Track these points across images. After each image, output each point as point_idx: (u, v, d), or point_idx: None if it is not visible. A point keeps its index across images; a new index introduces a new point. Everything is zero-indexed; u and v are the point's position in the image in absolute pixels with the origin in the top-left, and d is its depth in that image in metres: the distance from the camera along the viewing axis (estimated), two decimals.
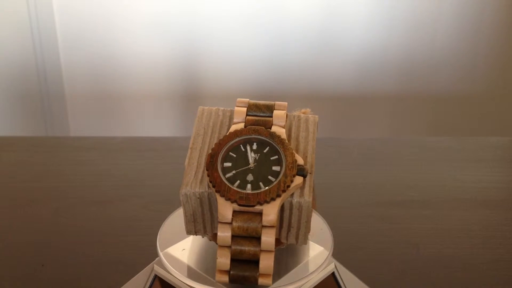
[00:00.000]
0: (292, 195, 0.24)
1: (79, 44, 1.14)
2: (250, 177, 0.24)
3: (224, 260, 0.24)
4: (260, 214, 0.23)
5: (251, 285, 0.24)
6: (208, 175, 0.24)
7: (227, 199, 0.23)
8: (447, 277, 0.37)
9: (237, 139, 0.25)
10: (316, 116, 0.27)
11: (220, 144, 0.25)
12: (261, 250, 0.23)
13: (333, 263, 0.29)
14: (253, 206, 0.23)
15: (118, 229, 0.43)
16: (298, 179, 0.24)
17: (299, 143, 0.26)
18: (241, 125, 0.26)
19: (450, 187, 0.51)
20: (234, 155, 0.25)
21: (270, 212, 0.23)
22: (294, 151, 0.25)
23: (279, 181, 0.24)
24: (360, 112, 1.20)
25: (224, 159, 0.25)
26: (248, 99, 0.27)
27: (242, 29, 1.13)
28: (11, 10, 1.11)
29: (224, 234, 0.23)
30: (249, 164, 0.25)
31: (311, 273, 0.26)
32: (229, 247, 0.24)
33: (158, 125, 1.22)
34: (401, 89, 1.19)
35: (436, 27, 1.14)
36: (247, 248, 0.23)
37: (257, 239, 0.23)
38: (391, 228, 0.43)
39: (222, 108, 0.28)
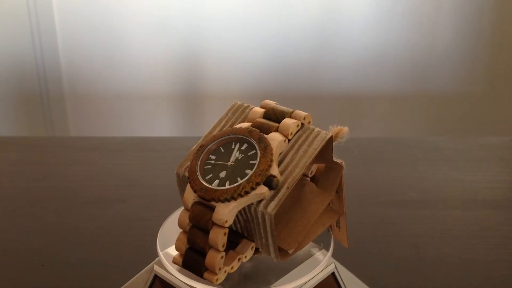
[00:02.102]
0: (259, 203, 0.24)
1: (79, 44, 1.14)
2: (223, 174, 0.24)
3: (179, 244, 0.25)
4: (213, 210, 0.24)
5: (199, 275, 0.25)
6: (190, 162, 0.25)
7: (192, 187, 0.24)
8: (447, 277, 0.37)
9: (231, 136, 0.25)
10: (330, 133, 0.25)
11: (214, 137, 0.26)
12: (209, 246, 0.24)
13: (333, 263, 0.29)
14: (209, 201, 0.24)
15: (118, 229, 0.43)
16: (262, 188, 0.23)
17: (296, 155, 0.25)
18: (248, 124, 0.26)
19: (450, 187, 0.51)
20: (222, 150, 0.25)
21: (221, 212, 0.23)
22: (274, 161, 0.24)
23: (239, 184, 0.23)
24: (360, 111, 1.20)
25: (212, 152, 0.25)
26: (274, 103, 0.27)
27: (242, 29, 1.13)
28: (11, 10, 1.11)
29: (182, 219, 0.24)
30: (229, 161, 0.25)
31: (311, 273, 0.26)
32: (187, 233, 0.25)
33: (158, 125, 1.22)
34: (402, 89, 1.19)
35: (436, 27, 1.14)
36: (198, 239, 0.24)
37: (208, 233, 0.24)
38: (391, 228, 0.43)
39: (252, 106, 0.28)
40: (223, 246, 0.24)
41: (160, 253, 0.27)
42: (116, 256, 0.39)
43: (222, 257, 0.24)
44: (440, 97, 1.19)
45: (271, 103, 0.27)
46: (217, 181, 0.24)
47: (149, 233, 0.41)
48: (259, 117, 0.26)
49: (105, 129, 1.21)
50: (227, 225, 0.23)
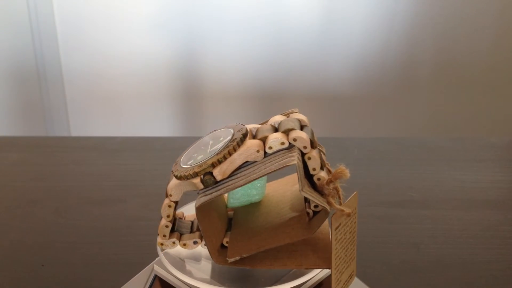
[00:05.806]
0: (200, 193, 0.25)
1: (79, 44, 1.14)
2: (200, 157, 0.26)
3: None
4: None
5: None
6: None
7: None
8: (447, 277, 0.37)
9: (229, 129, 0.26)
10: (296, 162, 0.23)
11: (226, 126, 0.27)
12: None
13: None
14: (172, 173, 0.26)
15: (118, 229, 0.43)
16: (196, 179, 0.25)
17: (258, 169, 0.24)
18: (257, 126, 0.27)
19: (450, 187, 0.51)
20: (220, 138, 0.26)
21: (170, 184, 0.26)
22: (225, 162, 0.24)
23: (186, 168, 0.25)
24: (360, 112, 1.20)
25: (214, 137, 0.27)
26: (298, 117, 0.26)
27: (242, 30, 1.13)
28: (11, 10, 1.11)
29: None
30: (209, 148, 0.26)
31: (311, 273, 0.26)
32: None
33: (158, 125, 1.22)
34: (401, 88, 1.19)
35: (435, 27, 1.14)
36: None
37: None
38: (391, 228, 0.43)
39: (300, 117, 0.27)
40: (167, 216, 0.26)
41: (160, 253, 0.27)
42: (116, 256, 0.39)
43: (167, 226, 0.26)
44: (440, 97, 1.19)
45: (294, 116, 0.26)
46: (192, 161, 0.26)
47: (149, 233, 0.42)
48: (271, 123, 0.26)
49: (105, 129, 1.21)
50: (171, 198, 0.26)
